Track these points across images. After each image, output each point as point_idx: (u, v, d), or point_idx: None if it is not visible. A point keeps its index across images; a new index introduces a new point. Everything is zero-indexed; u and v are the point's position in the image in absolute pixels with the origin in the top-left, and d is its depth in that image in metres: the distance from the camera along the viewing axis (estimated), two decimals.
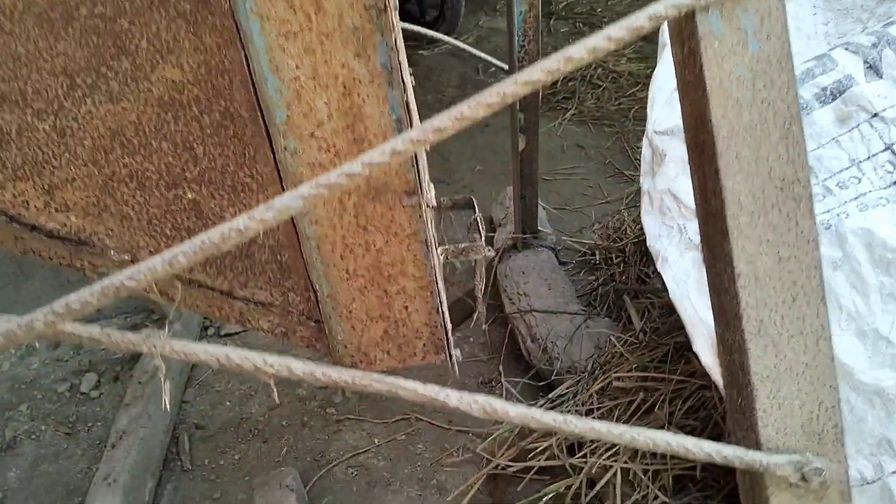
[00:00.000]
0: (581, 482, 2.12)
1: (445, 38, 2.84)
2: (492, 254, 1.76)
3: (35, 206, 1.31)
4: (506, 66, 2.57)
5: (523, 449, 2.33)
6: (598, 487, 2.07)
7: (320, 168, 1.31)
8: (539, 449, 2.27)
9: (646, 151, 1.90)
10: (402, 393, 0.94)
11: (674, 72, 0.99)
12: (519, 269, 3.07)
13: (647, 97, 4.75)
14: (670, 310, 2.41)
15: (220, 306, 1.47)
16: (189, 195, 1.32)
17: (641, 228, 3.01)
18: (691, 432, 2.01)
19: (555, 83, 4.88)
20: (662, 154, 1.77)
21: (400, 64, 1.21)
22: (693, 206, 1.68)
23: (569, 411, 2.31)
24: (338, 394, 3.00)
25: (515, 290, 2.98)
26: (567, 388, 2.42)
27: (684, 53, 0.93)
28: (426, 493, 2.57)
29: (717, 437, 2.05)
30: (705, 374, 2.01)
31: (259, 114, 1.24)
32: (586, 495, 2.12)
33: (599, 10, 6.21)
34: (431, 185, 1.42)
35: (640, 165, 4.13)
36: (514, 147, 2.74)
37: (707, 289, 1.48)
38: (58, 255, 1.36)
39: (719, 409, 1.94)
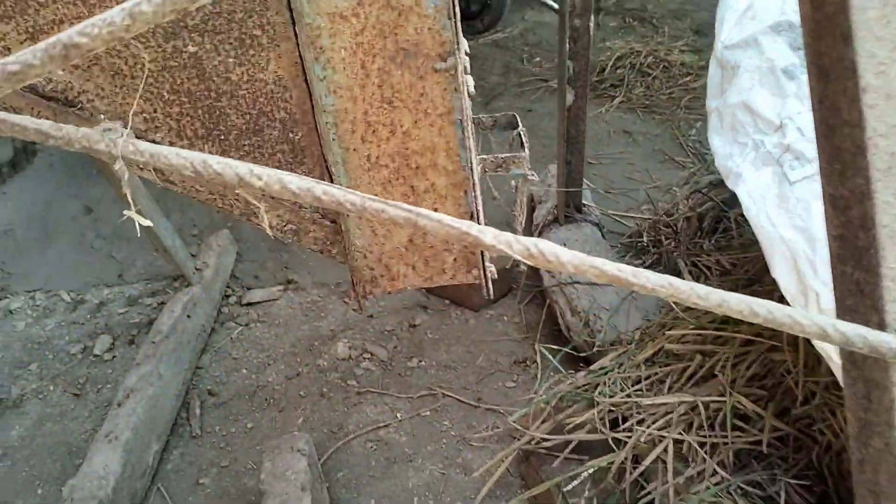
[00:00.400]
0: (626, 458, 1.87)
1: None
2: (535, 177, 1.54)
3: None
4: (556, 6, 2.37)
5: (560, 423, 2.09)
6: (645, 463, 1.82)
7: (341, 20, 1.12)
8: (578, 423, 2.03)
9: (714, 71, 1.69)
10: (422, 223, 0.72)
11: None
12: (560, 241, 2.84)
13: (700, 87, 4.53)
14: (730, 273, 2.16)
15: (223, 194, 1.28)
16: (190, 48, 1.14)
17: (695, 204, 2.77)
18: (756, 402, 1.75)
19: (602, 69, 4.68)
20: (735, 67, 1.55)
21: None
22: (772, 119, 1.45)
23: (613, 384, 2.06)
24: (360, 366, 2.79)
25: None
26: (611, 361, 2.18)
27: None
28: (450, 472, 2.34)
29: (786, 409, 1.79)
30: (775, 334, 1.76)
31: None
32: (631, 472, 1.87)
33: (650, 6, 6.00)
34: (467, 59, 1.22)
35: (691, 153, 3.90)
36: (561, 102, 2.53)
37: (788, 205, 1.25)
38: (40, 117, 1.19)
39: (792, 374, 1.68)
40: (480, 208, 1.32)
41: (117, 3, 1.11)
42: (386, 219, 0.73)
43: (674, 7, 5.95)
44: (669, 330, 1.97)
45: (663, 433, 1.78)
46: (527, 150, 1.51)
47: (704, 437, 1.73)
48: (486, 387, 2.63)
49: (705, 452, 1.70)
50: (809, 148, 1.32)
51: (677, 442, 1.76)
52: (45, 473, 2.49)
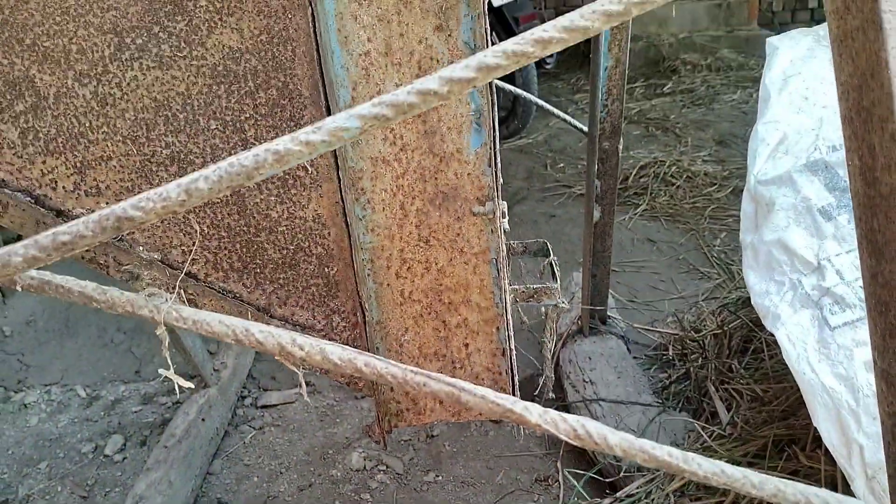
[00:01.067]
0: None
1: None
2: (566, 306, 1.53)
3: (63, 187, 1.16)
4: (585, 129, 2.42)
5: None
6: None
7: (383, 164, 1.13)
8: None
9: (747, 206, 1.69)
10: (465, 398, 0.71)
11: (828, 24, 0.80)
12: (585, 354, 2.80)
13: (723, 198, 4.56)
14: (763, 400, 2.10)
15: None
16: None
17: (722, 320, 2.73)
18: None
19: (626, 178, 4.74)
20: (770, 204, 1.55)
21: (485, 44, 1.05)
22: (810, 259, 1.44)
23: None
24: (374, 478, 2.71)
25: (581, 377, 2.70)
26: (638, 488, 2.09)
27: None
28: None
29: None
30: (812, 471, 1.69)
31: (322, 93, 1.09)
32: None
33: (672, 116, 6.14)
34: (504, 203, 1.23)
35: (716, 263, 3.88)
36: (588, 218, 2.55)
37: (829, 351, 1.22)
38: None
39: None
40: (512, 345, 1.30)
41: (162, 139, 1.14)
42: (428, 392, 0.71)
43: (696, 118, 6.08)
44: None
45: None
46: (558, 280, 1.50)
47: None
48: None
49: None
50: (849, 293, 1.30)
51: None
52: None
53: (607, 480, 2.34)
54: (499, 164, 1.13)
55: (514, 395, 1.32)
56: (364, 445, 2.87)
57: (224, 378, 3.08)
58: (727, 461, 1.79)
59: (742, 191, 4.70)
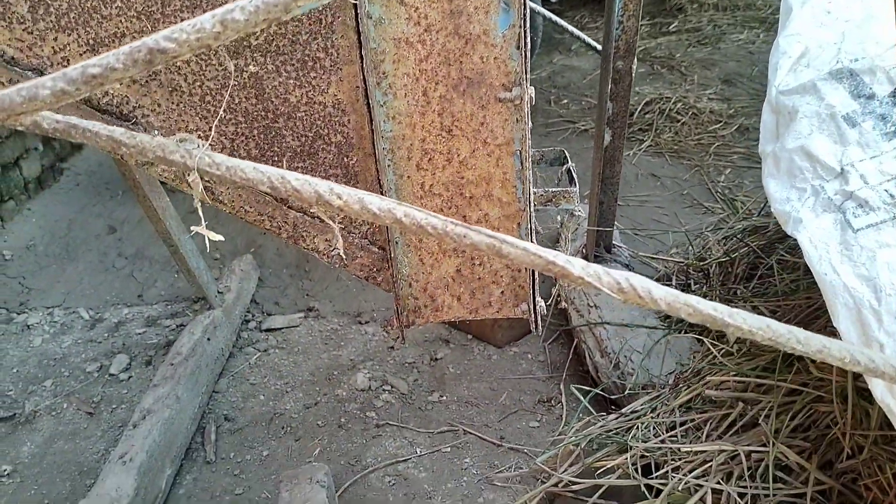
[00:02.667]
0: None
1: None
2: (582, 213, 1.51)
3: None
4: (599, 46, 2.37)
5: (589, 467, 2.03)
6: None
7: (406, 45, 1.10)
8: (608, 467, 1.97)
9: (767, 118, 1.66)
10: (506, 250, 0.69)
11: None
12: None
13: (728, 135, 4.52)
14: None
15: (272, 216, 1.25)
16: (251, 67, 1.13)
17: (728, 249, 2.73)
18: (800, 454, 1.69)
19: (631, 114, 4.68)
20: (792, 112, 1.52)
21: None
22: (833, 165, 1.42)
23: (647, 428, 2.00)
24: (380, 398, 2.74)
25: (585, 301, 2.71)
26: (643, 404, 2.12)
27: None
28: None
29: (829, 463, 1.72)
30: (822, 383, 1.70)
31: None
32: None
33: (678, 55, 6.03)
34: (532, 90, 1.19)
35: (720, 198, 3.86)
36: (598, 142, 2.52)
37: (851, 253, 1.21)
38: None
39: (837, 426, 1.62)
40: (534, 238, 1.29)
41: (179, 15, 1.10)
42: (468, 244, 0.70)
43: (701, 57, 5.98)
44: (707, 376, 1.92)
45: (701, 482, 1.71)
46: (577, 185, 1.48)
47: (745, 487, 1.67)
48: (508, 425, 2.57)
49: (746, 503, 1.64)
50: (874, 196, 1.29)
51: (715, 492, 1.70)
52: (55, 493, 2.43)
53: (611, 398, 2.37)
54: (528, 48, 1.10)
55: (533, 295, 1.32)
56: (369, 367, 2.89)
57: (228, 301, 3.08)
58: (736, 375, 1.81)
59: (747, 129, 4.68)
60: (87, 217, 4.07)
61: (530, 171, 1.21)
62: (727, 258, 2.66)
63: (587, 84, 5.56)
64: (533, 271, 1.30)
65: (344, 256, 1.25)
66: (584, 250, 3.02)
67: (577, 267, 0.69)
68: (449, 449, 2.50)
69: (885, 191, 1.28)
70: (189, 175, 0.69)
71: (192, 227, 0.77)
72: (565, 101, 5.34)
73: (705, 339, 2.11)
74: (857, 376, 1.60)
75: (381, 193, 1.23)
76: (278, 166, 1.23)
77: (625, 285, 0.68)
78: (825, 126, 1.46)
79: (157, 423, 2.40)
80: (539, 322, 1.34)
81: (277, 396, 2.79)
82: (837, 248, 1.28)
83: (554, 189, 1.44)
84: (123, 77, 0.64)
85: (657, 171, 4.24)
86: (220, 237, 0.76)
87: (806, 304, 1.90)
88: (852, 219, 1.29)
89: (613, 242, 3.00)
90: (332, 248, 1.28)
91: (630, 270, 2.92)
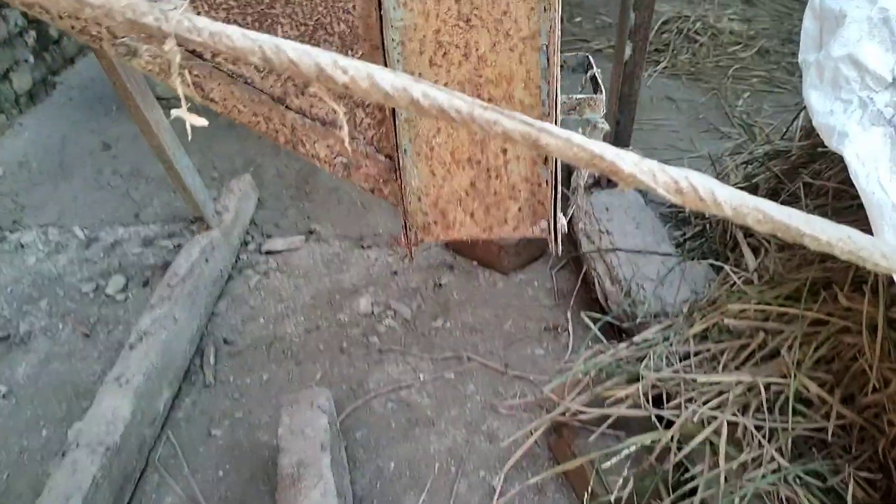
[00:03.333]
0: (672, 437, 1.74)
1: None
2: (606, 126, 1.39)
3: None
4: None
5: (598, 396, 1.97)
6: (693, 444, 1.69)
7: None
8: (618, 397, 1.90)
9: (809, 25, 1.51)
10: (545, 141, 0.58)
11: None
12: (602, 205, 2.69)
13: (748, 58, 4.32)
14: (795, 246, 2.01)
15: (269, 116, 1.13)
16: None
17: (748, 174, 2.61)
18: (821, 386, 1.62)
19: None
20: (839, 17, 1.38)
21: None
22: (883, 75, 1.29)
23: (659, 358, 1.93)
24: (382, 322, 2.67)
25: (596, 227, 2.61)
26: (655, 334, 2.04)
27: None
28: (474, 439, 2.22)
29: (851, 397, 1.65)
30: (850, 313, 1.61)
31: None
32: (675, 453, 1.74)
33: None
34: None
35: (738, 124, 3.71)
36: (619, 56, 2.36)
37: None
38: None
39: (864, 358, 1.55)
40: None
41: None
42: (499, 133, 0.58)
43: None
44: (725, 305, 1.83)
45: (716, 413, 1.65)
46: (603, 93, 1.35)
47: (762, 420, 1.60)
48: (513, 353, 2.51)
49: (763, 436, 1.58)
50: None
51: (731, 424, 1.63)
52: (51, 414, 2.39)
53: (622, 326, 2.30)
54: None
55: (555, 210, 1.21)
56: (372, 292, 2.82)
57: (227, 221, 2.97)
58: (757, 303, 1.72)
59: (767, 51, 4.47)
60: (81, 133, 3.92)
61: (558, 70, 1.08)
62: (747, 183, 2.54)
63: (602, 2, 5.30)
64: (555, 185, 1.19)
65: (350, 152, 1.14)
66: (595, 174, 2.90)
67: (629, 162, 0.58)
68: (453, 375, 2.44)
69: None
70: (165, 43, 0.57)
71: (172, 112, 0.66)
72: (578, 19, 5.10)
73: (725, 266, 2.02)
74: (890, 306, 1.51)
75: None
76: None
77: (684, 185, 0.57)
78: (876, 32, 1.32)
79: (154, 344, 2.33)
80: (559, 242, 1.24)
81: (278, 320, 2.72)
82: (887, 165, 1.16)
83: (578, 96, 1.31)
84: None
85: (673, 94, 4.07)
86: (202, 121, 0.65)
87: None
88: None
89: None
90: (334, 155, 1.16)
91: (643, 195, 2.81)
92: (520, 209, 1.22)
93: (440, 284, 2.84)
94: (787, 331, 1.67)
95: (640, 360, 1.96)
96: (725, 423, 1.63)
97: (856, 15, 1.36)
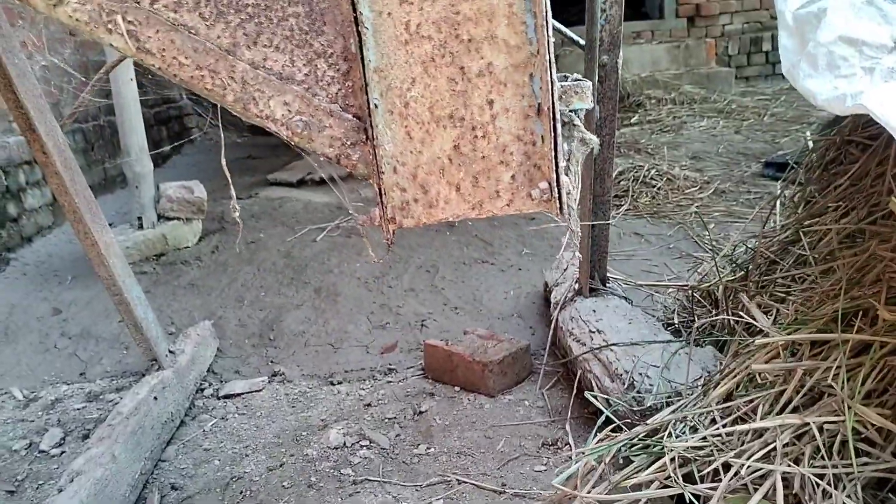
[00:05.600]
0: None
1: None
2: (595, 141, 1.27)
3: None
4: (582, 41, 2.24)
5: (616, 485, 1.66)
6: None
7: None
8: (641, 479, 1.61)
9: (786, 41, 1.49)
10: None
11: None
12: (588, 309, 2.52)
13: (706, 198, 4.42)
14: (813, 283, 1.83)
15: (215, 69, 0.99)
16: None
17: (737, 265, 2.49)
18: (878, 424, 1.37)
19: None
20: (819, 15, 1.35)
21: None
22: (884, 42, 1.23)
23: (681, 432, 1.67)
24: (357, 454, 2.33)
25: (586, 329, 2.42)
26: (671, 413, 1.78)
27: None
28: None
29: None
30: (894, 330, 1.42)
31: None
32: None
33: (643, 140, 6.11)
34: None
35: (708, 248, 3.67)
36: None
37: None
38: None
39: None
40: (556, 101, 1.04)
41: None
42: None
43: (667, 140, 6.05)
44: (751, 356, 1.61)
45: (763, 467, 1.37)
46: (594, 85, 1.25)
47: (823, 468, 1.33)
48: (510, 472, 2.18)
49: (829, 483, 1.29)
50: None
51: (784, 478, 1.35)
52: None
53: (632, 421, 2.02)
54: None
55: (556, 172, 1.05)
56: (343, 425, 2.50)
57: (181, 363, 2.70)
58: (784, 345, 1.51)
59: (724, 192, 4.59)
60: (32, 301, 3.70)
61: (547, 6, 0.98)
62: (735, 276, 2.41)
63: (565, 68, 5.47)
64: (554, 140, 1.04)
65: (283, 127, 0.99)
66: (576, 286, 2.76)
67: None
68: (441, 501, 2.09)
69: None
70: None
71: None
72: None
73: (733, 339, 1.82)
74: None
75: (356, 34, 0.99)
76: (222, 5, 0.99)
77: None
78: (863, 12, 1.29)
79: (86, 483, 1.97)
80: (564, 205, 1.06)
81: (235, 460, 2.36)
82: None
83: (564, 83, 1.21)
84: None
85: (640, 230, 4.07)
86: None
87: (849, 262, 1.64)
88: None
89: (608, 271, 2.75)
90: (292, 115, 1.01)
91: (628, 302, 2.66)
92: (513, 177, 1.06)
93: (420, 412, 2.55)
94: (823, 366, 1.45)
95: (660, 439, 1.68)
96: (779, 478, 1.35)
97: (837, 4, 1.34)
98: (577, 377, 2.41)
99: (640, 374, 2.07)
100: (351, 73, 1.03)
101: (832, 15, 1.32)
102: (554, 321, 2.71)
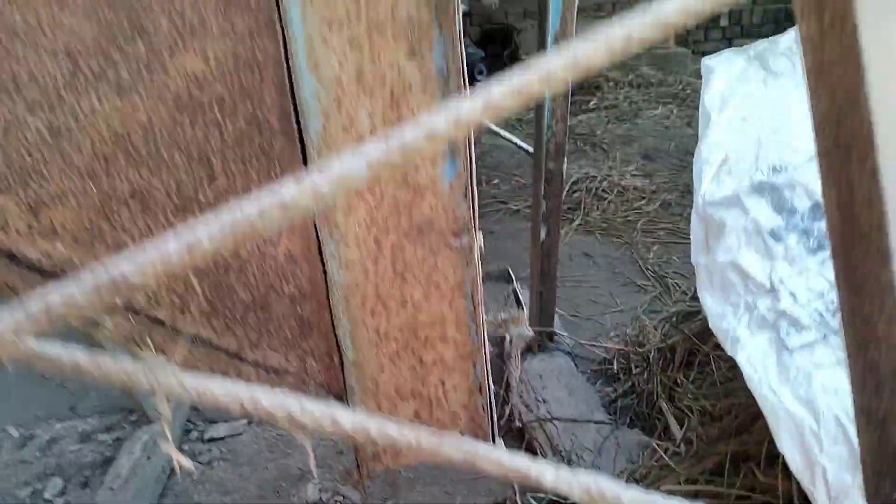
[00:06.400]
0: None
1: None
2: (531, 333, 1.53)
3: (16, 229, 1.10)
4: (531, 149, 2.46)
5: None
6: None
7: (357, 197, 1.12)
8: None
9: (696, 228, 1.74)
10: (481, 465, 0.69)
11: (802, 54, 0.83)
12: (535, 372, 2.83)
13: (653, 211, 4.70)
14: (713, 416, 2.16)
15: (225, 371, 1.23)
16: None
17: (665, 334, 2.81)
18: None
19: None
20: (720, 225, 1.61)
21: (459, 70, 1.05)
22: (762, 281, 1.49)
23: None
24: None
25: (533, 396, 2.73)
26: None
27: (824, 22, 0.77)
28: None
29: None
30: (769, 487, 1.74)
31: (293, 123, 1.07)
32: None
33: (599, 132, 6.31)
34: (481, 235, 1.23)
35: (651, 276, 3.99)
36: (535, 238, 2.58)
37: (788, 374, 1.26)
38: (28, 288, 1.13)
39: None
40: (490, 382, 1.30)
41: (123, 174, 1.09)
42: (442, 460, 0.70)
43: (621, 133, 6.28)
44: (658, 482, 1.94)
45: None
46: (525, 308, 1.51)
47: None
48: None
49: None
50: (804, 315, 1.36)
51: None
52: None
53: (565, 502, 2.36)
54: (475, 196, 1.13)
55: (492, 433, 1.32)
56: (319, 476, 2.81)
57: (166, 412, 2.95)
58: (685, 480, 1.83)
59: (670, 204, 4.88)
60: None
61: (483, 313, 1.23)
62: (664, 344, 2.73)
63: (515, 163, 5.71)
64: (491, 410, 1.31)
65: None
66: (527, 342, 3.05)
67: (549, 476, 0.69)
68: None
69: (815, 310, 1.35)
70: (157, 403, 0.67)
71: (163, 447, 0.74)
72: (496, 180, 5.48)
73: (654, 441, 2.14)
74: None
75: (336, 341, 1.23)
76: (229, 321, 1.21)
77: (594, 492, 0.69)
78: (752, 241, 1.54)
79: None
80: (497, 444, 1.34)
81: None
82: (775, 369, 1.33)
83: (503, 316, 1.46)
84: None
85: (589, 249, 4.36)
86: (190, 466, 0.74)
87: (744, 403, 1.96)
88: (786, 338, 1.35)
89: (554, 329, 3.05)
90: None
91: (572, 357, 2.97)
92: (461, 433, 1.33)
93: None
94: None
95: None
96: None
97: (733, 224, 1.59)
98: (526, 439, 2.73)
99: (577, 454, 2.40)
100: (332, 367, 1.27)
101: (729, 234, 1.57)
102: (505, 377, 3.01)
